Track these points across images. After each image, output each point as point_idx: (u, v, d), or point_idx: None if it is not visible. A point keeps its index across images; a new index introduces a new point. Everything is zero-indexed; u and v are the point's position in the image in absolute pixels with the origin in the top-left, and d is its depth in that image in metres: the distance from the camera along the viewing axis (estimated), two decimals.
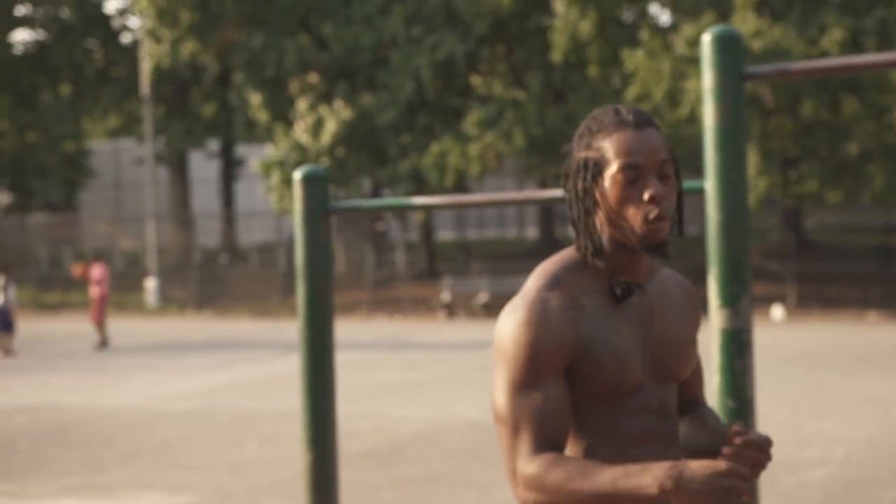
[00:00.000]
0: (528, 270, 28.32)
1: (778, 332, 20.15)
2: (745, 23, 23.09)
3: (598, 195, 2.10)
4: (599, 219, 2.11)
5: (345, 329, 21.91)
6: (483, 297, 26.53)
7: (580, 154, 2.11)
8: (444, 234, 45.53)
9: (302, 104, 28.27)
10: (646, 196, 2.06)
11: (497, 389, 2.07)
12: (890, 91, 24.68)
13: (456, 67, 27.79)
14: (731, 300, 3.03)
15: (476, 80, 28.89)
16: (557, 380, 2.05)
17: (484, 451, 9.22)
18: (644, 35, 24.47)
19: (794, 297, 24.85)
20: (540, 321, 2.04)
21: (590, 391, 2.08)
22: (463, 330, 22.85)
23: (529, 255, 33.52)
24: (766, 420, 10.20)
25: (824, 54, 22.84)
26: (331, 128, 27.21)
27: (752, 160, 24.16)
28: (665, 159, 2.08)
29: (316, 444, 3.70)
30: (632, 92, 24.56)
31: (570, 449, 2.12)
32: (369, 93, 28.71)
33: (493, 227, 50.79)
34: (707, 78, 3.10)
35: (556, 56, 26.10)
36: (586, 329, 2.07)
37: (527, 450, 2.02)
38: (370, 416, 11.16)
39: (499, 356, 2.07)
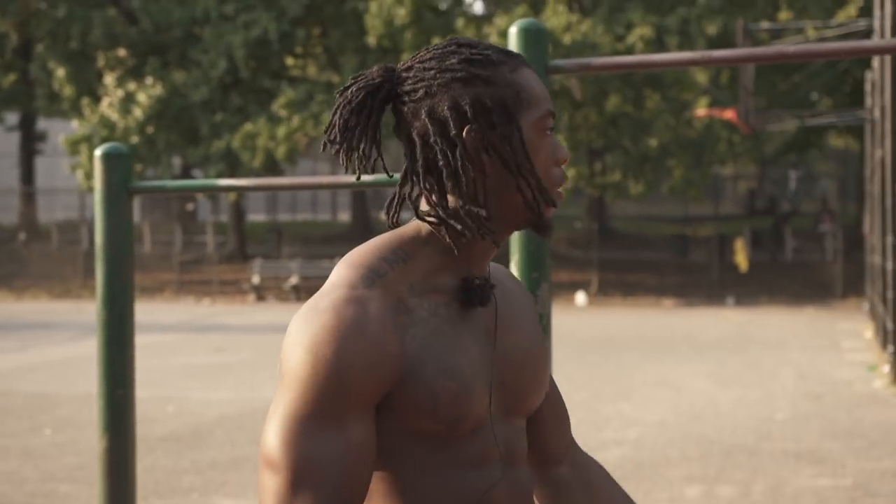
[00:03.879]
0: (341, 254, 28.31)
1: (581, 318, 20.78)
2: (557, 16, 23.66)
3: (501, 149, 1.49)
4: (480, 183, 1.51)
5: (150, 311, 21.38)
6: (293, 279, 26.34)
7: (470, 90, 1.48)
8: (256, 216, 44.95)
9: (110, 79, 27.36)
10: (559, 156, 1.54)
11: (272, 423, 1.43)
12: (690, 88, 25.78)
13: (270, 47, 27.43)
14: (531, 287, 3.10)
15: (290, 61, 28.61)
16: (365, 418, 1.43)
17: None
18: (459, 23, 24.76)
19: (597, 283, 25.67)
20: (350, 331, 1.42)
21: (411, 432, 1.47)
22: (272, 313, 22.64)
23: (341, 239, 33.47)
24: (567, 402, 10.49)
25: (630, 50, 23.63)
26: (141, 104, 26.45)
27: None
28: None
29: (112, 430, 3.60)
30: None
31: None
32: (181, 70, 28.03)
33: (305, 210, 50.46)
34: None
35: (372, 40, 26.11)
36: (416, 343, 1.46)
37: None
38: (174, 400, 10.94)
39: (284, 377, 1.44)
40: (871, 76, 17.73)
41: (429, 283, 1.51)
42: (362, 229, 34.47)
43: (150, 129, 26.90)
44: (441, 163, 1.48)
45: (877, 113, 15.40)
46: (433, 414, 1.45)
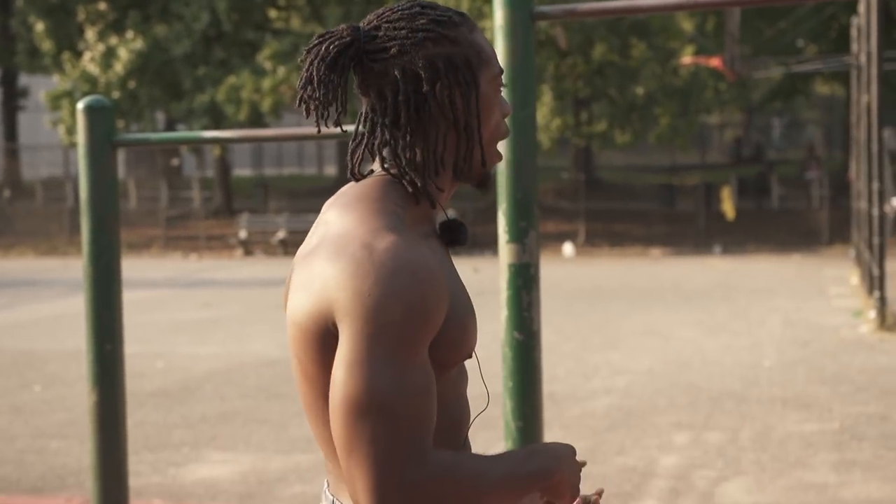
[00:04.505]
0: None
1: (568, 268, 20.82)
2: None
3: (460, 104, 1.60)
4: (443, 136, 1.61)
5: (137, 267, 21.34)
6: (280, 234, 26.30)
7: (439, 49, 1.59)
8: (242, 171, 44.77)
9: (91, 33, 27.09)
10: (506, 110, 1.67)
11: (359, 363, 1.45)
12: (676, 37, 25.66)
13: (253, 0, 27.17)
14: (519, 235, 3.09)
15: (274, 14, 28.35)
16: (426, 353, 1.50)
17: (279, 388, 9.19)
18: None
19: (584, 233, 25.70)
20: (424, 274, 1.48)
21: (439, 363, 1.55)
22: (260, 267, 22.62)
23: (328, 192, 33.27)
24: (555, 352, 10.55)
25: None
26: (122, 59, 26.20)
27: (547, 100, 24.70)
28: None
29: (102, 385, 3.60)
30: None
31: None
32: (162, 23, 27.75)
33: (291, 165, 50.27)
34: (498, 16, 3.12)
35: None
36: (450, 282, 1.56)
37: (418, 449, 1.46)
38: (162, 355, 10.95)
39: (368, 323, 1.46)
40: (856, 21, 17.65)
41: (422, 229, 1.61)
42: (347, 181, 34.35)
43: (132, 84, 26.68)
44: (412, 116, 1.58)
45: (863, 58, 15.35)
46: (462, 345, 1.56)
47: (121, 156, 38.07)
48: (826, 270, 19.05)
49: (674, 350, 10.74)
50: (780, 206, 29.06)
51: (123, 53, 26.20)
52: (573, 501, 1.66)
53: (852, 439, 7.08)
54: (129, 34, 26.69)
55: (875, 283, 12.71)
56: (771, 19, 27.78)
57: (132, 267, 20.16)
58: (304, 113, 1.62)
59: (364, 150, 1.64)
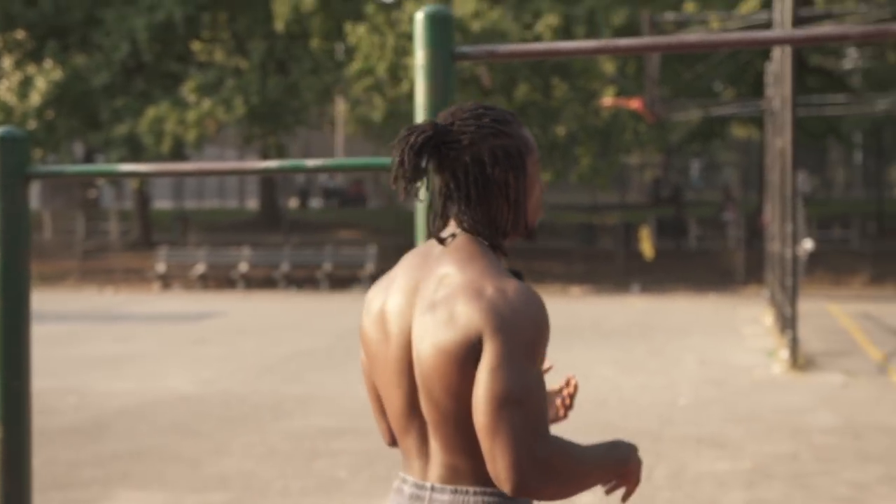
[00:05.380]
0: (249, 242, 28.04)
1: None
2: (466, 4, 23.69)
3: (513, 183, 2.14)
4: (512, 203, 2.15)
5: (51, 300, 20.92)
6: (200, 268, 26.01)
7: (498, 141, 2.12)
8: (162, 203, 44.27)
9: (7, 62, 26.65)
10: (542, 188, 2.23)
11: (504, 369, 1.98)
12: (597, 77, 26.04)
13: (175, 31, 26.99)
14: None
15: (197, 46, 28.18)
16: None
17: (194, 425, 9.05)
18: (369, 9, 24.64)
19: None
20: (543, 307, 2.05)
21: None
22: (178, 302, 22.32)
23: (249, 227, 33.13)
24: None
25: (538, 38, 23.79)
26: (39, 88, 25.81)
27: None
28: None
29: (8, 421, 3.50)
30: (355, 66, 24.68)
31: None
32: (82, 53, 27.42)
33: (213, 197, 49.85)
34: (419, 55, 3.14)
35: (279, 26, 25.85)
36: None
37: (544, 430, 2.01)
38: (75, 391, 10.72)
39: (511, 333, 1.99)
40: (771, 67, 18.10)
41: None
42: (271, 217, 34.14)
43: (49, 114, 26.28)
44: (480, 191, 2.11)
45: (777, 104, 15.74)
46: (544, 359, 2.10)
47: (37, 187, 37.40)
48: (741, 310, 19.38)
49: (592, 388, 10.81)
50: (697, 246, 29.54)
51: (41, 83, 25.81)
52: (636, 486, 2.17)
53: (763, 478, 7.18)
54: (48, 63, 26.32)
55: (787, 323, 12.95)
56: (689, 63, 28.35)
57: (46, 300, 19.76)
58: (395, 186, 2.10)
59: (441, 216, 2.14)
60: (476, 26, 23.04)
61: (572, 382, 2.46)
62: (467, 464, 2.08)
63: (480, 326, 2.00)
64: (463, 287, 2.04)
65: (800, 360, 12.25)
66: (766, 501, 6.60)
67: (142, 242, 30.27)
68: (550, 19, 23.94)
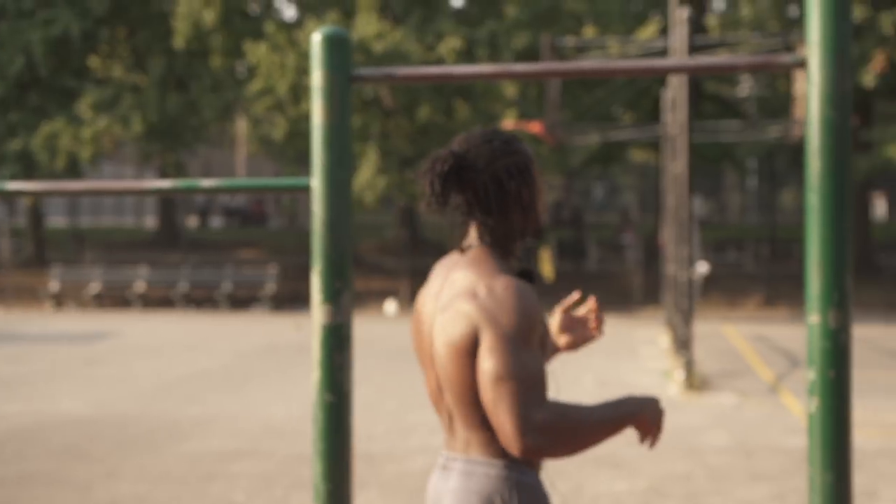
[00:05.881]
0: (145, 260, 27.56)
1: (391, 326, 20.85)
2: (368, 24, 23.70)
3: (525, 195, 2.55)
4: (526, 211, 2.56)
5: None
6: (95, 287, 25.48)
7: (510, 160, 2.53)
8: (57, 220, 43.29)
9: None
10: (546, 193, 2.64)
11: (498, 351, 2.36)
12: (499, 100, 26.27)
13: (72, 46, 26.48)
14: (333, 296, 3.07)
15: (94, 61, 27.69)
16: (536, 343, 2.43)
17: (86, 448, 8.84)
18: (269, 28, 24.50)
19: (408, 291, 25.83)
20: (534, 299, 2.43)
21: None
22: (72, 321, 21.82)
23: (147, 245, 32.57)
24: (374, 411, 10.51)
25: (440, 61, 23.91)
26: None
27: (372, 159, 24.85)
28: None
29: None
30: (256, 85, 24.51)
31: None
32: None
33: (110, 215, 48.93)
34: (316, 77, 3.12)
35: (179, 43, 25.55)
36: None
37: (539, 399, 2.35)
38: None
39: (500, 322, 2.38)
40: (668, 94, 18.48)
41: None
42: (169, 235, 33.60)
43: None
44: (500, 205, 2.53)
45: (673, 129, 16.06)
46: (546, 346, 2.51)
47: None
48: (639, 331, 19.67)
49: None
50: (597, 268, 29.92)
51: None
52: (657, 434, 2.46)
53: (658, 497, 7.28)
54: None
55: (683, 344, 13.18)
56: (589, 87, 28.77)
57: None
58: (427, 210, 2.55)
59: (460, 229, 2.57)
60: (378, 47, 23.07)
61: (591, 302, 2.83)
62: (480, 438, 2.48)
63: (477, 320, 2.41)
64: (463, 289, 2.46)
65: (695, 381, 12.47)
66: None
67: (35, 260, 29.55)
68: (453, 42, 24.09)
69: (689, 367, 12.62)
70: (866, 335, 17.84)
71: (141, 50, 28.24)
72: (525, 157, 2.56)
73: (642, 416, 2.44)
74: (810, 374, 2.73)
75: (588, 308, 2.83)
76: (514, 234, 2.56)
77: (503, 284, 2.43)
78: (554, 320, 2.86)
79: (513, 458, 2.48)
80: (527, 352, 2.37)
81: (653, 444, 2.51)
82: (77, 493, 7.35)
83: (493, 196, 2.51)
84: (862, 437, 9.11)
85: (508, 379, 2.34)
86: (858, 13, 23.46)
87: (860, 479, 7.54)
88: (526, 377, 2.35)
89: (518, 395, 2.33)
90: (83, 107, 25.58)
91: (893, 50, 24.05)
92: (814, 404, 2.72)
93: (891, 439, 9.34)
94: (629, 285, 26.75)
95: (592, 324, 2.83)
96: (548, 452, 2.36)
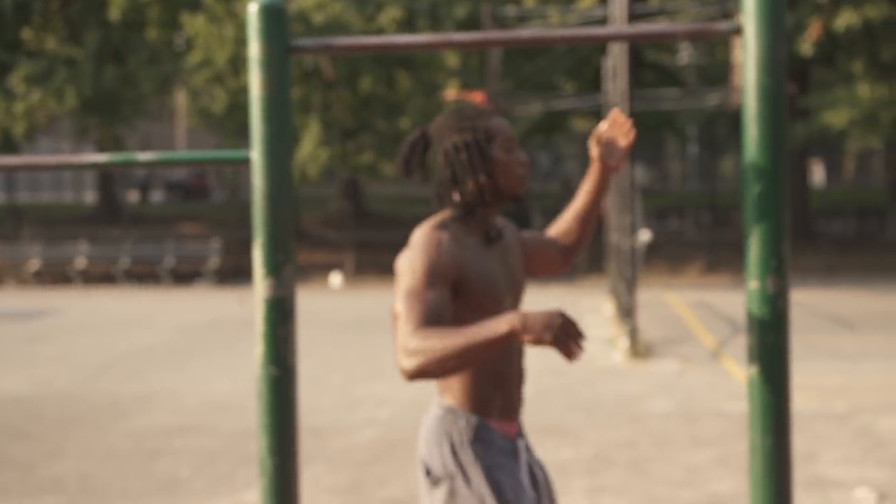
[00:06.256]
0: (86, 236, 27.19)
1: (336, 299, 20.80)
2: None
3: (477, 165, 2.83)
4: (478, 181, 2.83)
5: None
6: (35, 264, 25.12)
7: (458, 136, 2.84)
8: None
9: None
10: (522, 160, 2.88)
11: (398, 292, 2.69)
12: (441, 70, 26.21)
13: (4, 18, 25.94)
14: (276, 269, 3.05)
15: (27, 34, 27.15)
16: (445, 289, 2.70)
17: (27, 427, 8.74)
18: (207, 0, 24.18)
19: (353, 264, 25.77)
20: (435, 246, 2.72)
21: (468, 304, 2.78)
22: (11, 299, 21.51)
23: (87, 221, 32.14)
24: (320, 384, 10.50)
25: (381, 31, 23.77)
26: None
27: (314, 131, 24.69)
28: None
29: None
30: (194, 57, 24.21)
31: None
32: None
33: (48, 190, 48.19)
34: (253, 48, 3.08)
35: (114, 15, 25.14)
36: (468, 258, 2.78)
37: (412, 328, 2.58)
38: None
39: (402, 270, 2.72)
40: (609, 62, 18.54)
41: (469, 233, 2.86)
42: (109, 210, 33.17)
43: None
44: (456, 174, 2.86)
45: (614, 97, 16.13)
46: (481, 295, 2.79)
47: None
48: (583, 300, 19.81)
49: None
50: None
51: None
52: (552, 339, 2.45)
53: (604, 464, 7.36)
54: None
55: (626, 312, 13.30)
56: (531, 57, 28.78)
57: None
58: (402, 176, 2.93)
59: (440, 192, 2.88)
60: (318, 18, 22.88)
61: (614, 113, 2.99)
62: (441, 382, 2.84)
63: (398, 265, 2.77)
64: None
65: (639, 349, 12.60)
66: (607, 488, 6.77)
67: None
68: (393, 12, 23.96)
69: (632, 334, 12.74)
70: (805, 300, 18.13)
71: (76, 22, 27.74)
72: (478, 134, 2.84)
73: (519, 326, 2.46)
74: (750, 340, 2.77)
75: (611, 121, 2.99)
76: (475, 201, 2.84)
77: (418, 233, 2.78)
78: (593, 152, 3.02)
79: (460, 401, 2.83)
80: (421, 290, 2.65)
81: (571, 355, 2.48)
82: (19, 473, 7.26)
83: (448, 167, 2.84)
84: (801, 400, 9.27)
85: (401, 314, 2.63)
86: None
87: (799, 442, 7.68)
88: (414, 310, 2.61)
89: (403, 327, 2.59)
90: (16, 80, 25.11)
91: (829, 18, 24.33)
92: (753, 369, 2.76)
93: (829, 402, 9.51)
94: None
95: (623, 129, 2.97)
96: (426, 373, 2.53)
